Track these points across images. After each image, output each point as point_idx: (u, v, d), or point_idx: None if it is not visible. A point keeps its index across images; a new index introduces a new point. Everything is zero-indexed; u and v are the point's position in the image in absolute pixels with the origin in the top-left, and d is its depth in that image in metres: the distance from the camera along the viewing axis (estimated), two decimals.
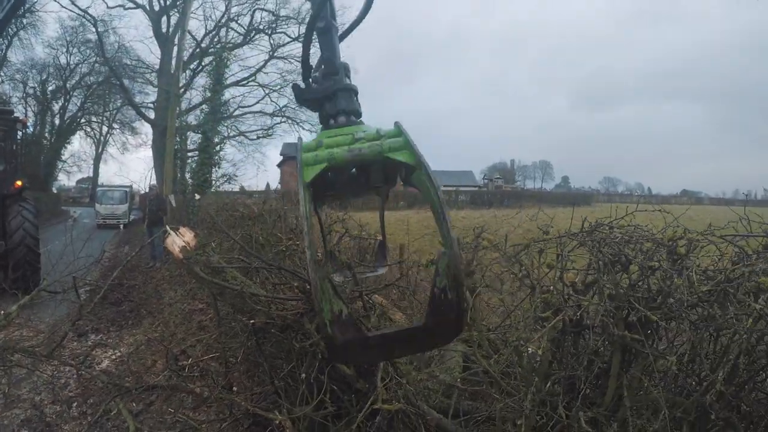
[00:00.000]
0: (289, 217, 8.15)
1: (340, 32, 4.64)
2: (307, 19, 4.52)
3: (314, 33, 4.45)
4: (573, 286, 3.88)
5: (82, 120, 58.72)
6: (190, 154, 36.14)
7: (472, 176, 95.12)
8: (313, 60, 4.48)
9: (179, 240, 5.21)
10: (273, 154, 77.11)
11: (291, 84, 4.53)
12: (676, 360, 3.54)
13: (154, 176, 34.81)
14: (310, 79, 4.50)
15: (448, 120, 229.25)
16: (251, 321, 4.73)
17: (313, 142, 3.75)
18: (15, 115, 15.59)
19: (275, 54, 43.98)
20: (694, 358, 3.76)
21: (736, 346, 3.62)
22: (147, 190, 21.05)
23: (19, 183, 14.05)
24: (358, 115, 4.35)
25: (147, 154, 67.77)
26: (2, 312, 8.86)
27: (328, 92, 4.32)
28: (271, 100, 45.49)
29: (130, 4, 43.79)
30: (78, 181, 73.43)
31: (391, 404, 4.19)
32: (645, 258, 3.69)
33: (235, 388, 5.47)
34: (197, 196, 23.44)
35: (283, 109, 44.53)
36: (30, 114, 49.62)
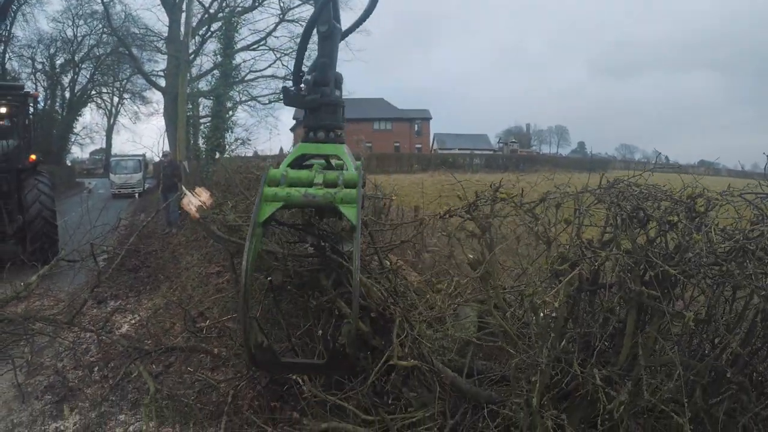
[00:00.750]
0: None
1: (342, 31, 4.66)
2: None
3: (312, 35, 4.48)
4: (589, 244, 3.88)
5: (93, 92, 58.77)
6: (202, 120, 36.09)
7: (486, 140, 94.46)
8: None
9: (195, 200, 5.20)
10: (286, 117, 76.66)
11: (281, 87, 4.62)
12: (693, 316, 3.52)
13: (166, 142, 34.81)
14: (302, 84, 4.57)
15: (465, 84, 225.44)
16: (268, 278, 4.77)
17: (278, 173, 4.04)
18: (25, 90, 15.59)
19: (285, 17, 43.40)
20: (710, 319, 3.75)
21: (752, 308, 3.61)
22: (161, 158, 21.03)
23: (33, 157, 14.14)
24: (340, 129, 4.49)
25: (159, 122, 67.76)
26: (22, 283, 9.01)
27: (314, 105, 4.41)
28: (283, 64, 45.13)
29: None
30: (91, 153, 73.92)
31: (407, 361, 4.21)
32: (664, 214, 3.66)
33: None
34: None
35: None
36: (40, 89, 49.48)
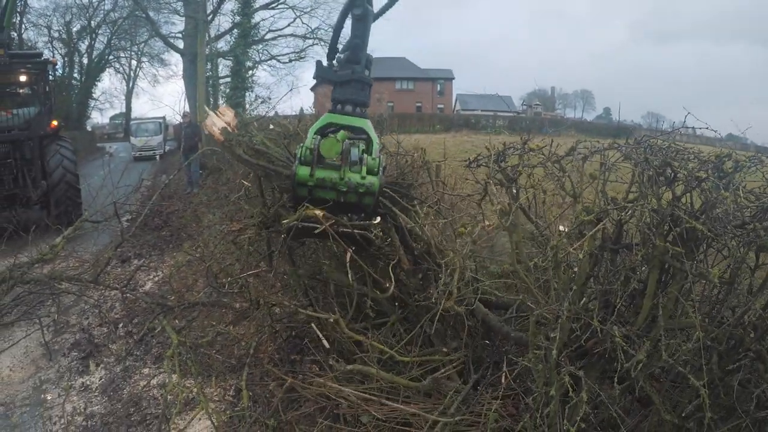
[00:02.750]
0: None
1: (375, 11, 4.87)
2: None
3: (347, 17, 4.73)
4: (614, 201, 3.82)
5: (110, 57, 58.01)
6: (222, 80, 35.88)
7: (510, 102, 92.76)
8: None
9: (219, 121, 5.10)
10: (306, 76, 75.44)
11: (315, 61, 5.09)
12: (718, 273, 3.46)
13: (186, 104, 34.67)
14: (334, 61, 4.94)
15: (494, 45, 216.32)
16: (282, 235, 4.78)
17: (306, 175, 4.45)
18: (44, 57, 15.63)
19: None
20: (733, 282, 3.70)
21: None
22: (180, 120, 20.97)
23: (54, 123, 14.23)
24: (366, 106, 4.78)
25: (179, 84, 67.38)
26: (48, 245, 9.14)
27: (344, 79, 4.73)
28: (303, 23, 44.47)
29: None
30: (111, 118, 73.75)
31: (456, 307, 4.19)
32: (692, 171, 3.57)
33: (272, 303, 5.55)
34: None
35: (315, 31, 43.60)
36: (57, 56, 49.01)
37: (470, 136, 33.95)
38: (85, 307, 8.32)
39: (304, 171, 4.45)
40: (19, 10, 41.28)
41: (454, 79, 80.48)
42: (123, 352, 6.72)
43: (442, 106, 77.98)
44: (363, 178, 4.45)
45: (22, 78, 14.42)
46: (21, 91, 15.07)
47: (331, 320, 4.38)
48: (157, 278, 9.58)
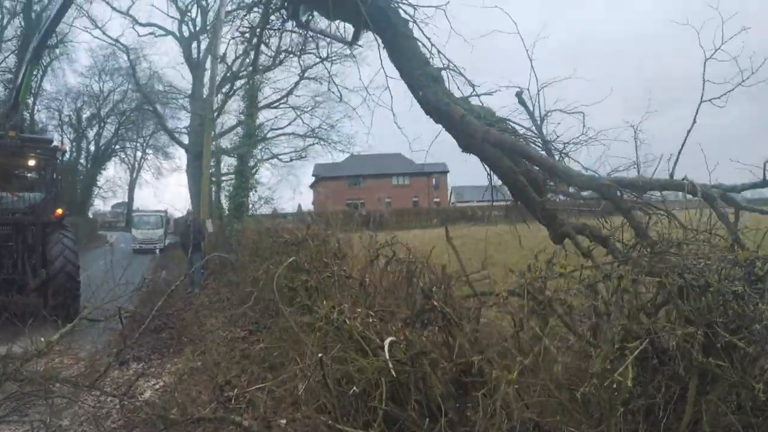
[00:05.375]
0: (332, 242, 8.08)
1: None
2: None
3: None
4: (644, 309, 3.71)
5: (117, 146, 59.38)
6: (224, 177, 36.29)
7: (505, 191, 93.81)
8: None
9: None
10: (305, 175, 76.59)
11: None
12: (762, 387, 3.28)
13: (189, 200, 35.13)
14: None
15: None
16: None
17: None
18: (54, 144, 15.79)
19: (305, 75, 43.99)
20: None
21: None
22: (186, 216, 21.12)
23: (59, 211, 14.20)
24: None
25: (182, 178, 68.29)
26: (42, 338, 8.84)
27: None
28: (303, 122, 45.56)
29: (161, 32, 44.58)
30: (113, 206, 74.32)
31: None
32: (724, 280, 3.53)
33: (283, 421, 5.28)
34: None
35: (315, 130, 44.66)
36: (66, 141, 50.04)
37: (469, 229, 33.98)
38: (79, 412, 7.90)
39: None
40: (33, 91, 42.40)
41: (448, 172, 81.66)
42: None
43: (438, 199, 78.88)
44: None
45: (31, 162, 14.60)
46: (28, 175, 15.20)
47: None
48: (157, 386, 9.15)
